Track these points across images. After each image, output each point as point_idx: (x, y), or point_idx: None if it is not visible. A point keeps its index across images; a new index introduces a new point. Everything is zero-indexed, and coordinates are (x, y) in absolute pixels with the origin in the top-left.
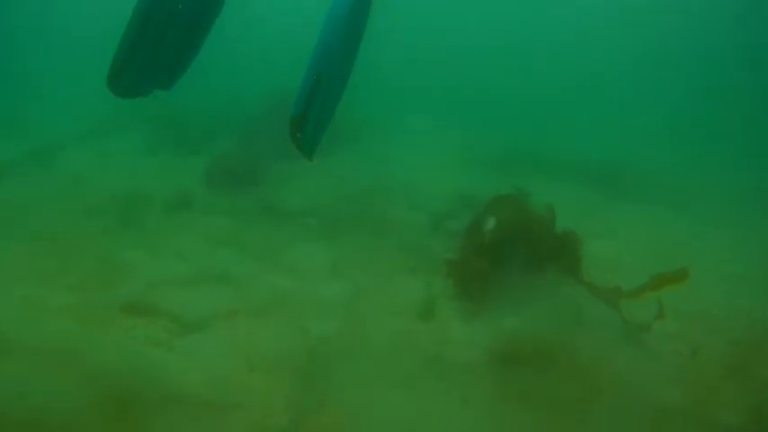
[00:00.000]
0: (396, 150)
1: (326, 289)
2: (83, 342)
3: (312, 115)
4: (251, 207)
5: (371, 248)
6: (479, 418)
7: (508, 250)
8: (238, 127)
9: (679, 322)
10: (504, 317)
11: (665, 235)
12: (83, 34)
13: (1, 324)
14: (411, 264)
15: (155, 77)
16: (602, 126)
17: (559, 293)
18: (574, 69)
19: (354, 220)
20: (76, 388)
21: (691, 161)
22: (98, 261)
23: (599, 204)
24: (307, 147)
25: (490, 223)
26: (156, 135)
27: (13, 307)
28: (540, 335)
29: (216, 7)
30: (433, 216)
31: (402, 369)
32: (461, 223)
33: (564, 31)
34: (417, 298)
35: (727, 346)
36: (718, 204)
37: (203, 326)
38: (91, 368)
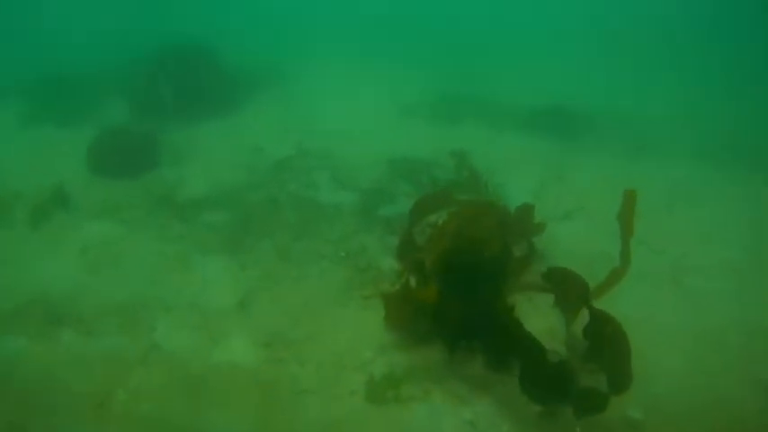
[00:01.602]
0: (318, 98)
1: (229, 352)
2: None
3: None
4: (143, 200)
5: (291, 260)
6: None
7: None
8: (131, 85)
9: None
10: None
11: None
12: None
13: None
14: (341, 285)
15: None
16: (545, 70)
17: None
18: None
19: (270, 211)
20: None
21: (644, 103)
22: None
23: (559, 161)
24: None
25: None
26: (35, 100)
27: None
28: None
29: None
30: (365, 195)
31: None
32: (398, 207)
33: None
34: (359, 361)
35: None
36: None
37: None
38: None
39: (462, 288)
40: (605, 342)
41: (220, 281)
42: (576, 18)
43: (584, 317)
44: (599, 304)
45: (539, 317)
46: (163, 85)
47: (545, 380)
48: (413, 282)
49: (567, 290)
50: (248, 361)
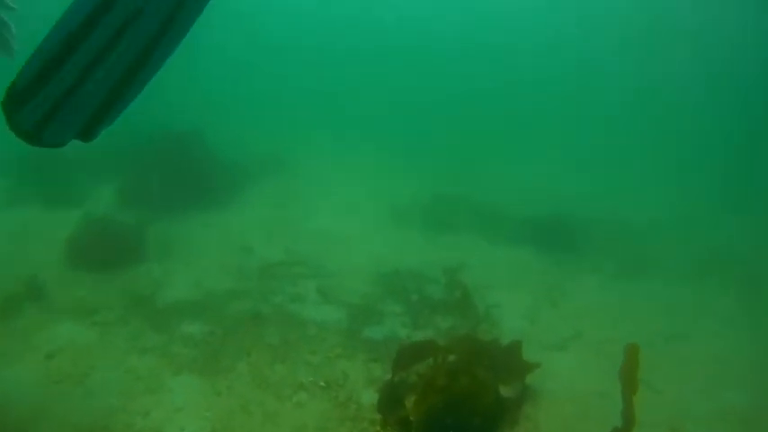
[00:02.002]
0: (312, 194)
1: None
2: None
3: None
4: (120, 301)
5: (269, 388)
6: None
7: None
8: (124, 170)
9: None
10: None
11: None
12: None
13: None
14: (318, 423)
15: (73, 117)
16: (545, 169)
17: None
18: (518, 110)
19: (252, 324)
20: None
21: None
22: None
23: (555, 280)
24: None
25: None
26: (23, 178)
27: None
28: None
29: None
30: (352, 312)
31: None
32: (384, 329)
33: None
34: None
35: None
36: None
37: None
38: None
39: None
40: None
41: (191, 409)
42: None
43: None
44: None
45: None
46: (151, 172)
47: None
48: None
49: None
50: None
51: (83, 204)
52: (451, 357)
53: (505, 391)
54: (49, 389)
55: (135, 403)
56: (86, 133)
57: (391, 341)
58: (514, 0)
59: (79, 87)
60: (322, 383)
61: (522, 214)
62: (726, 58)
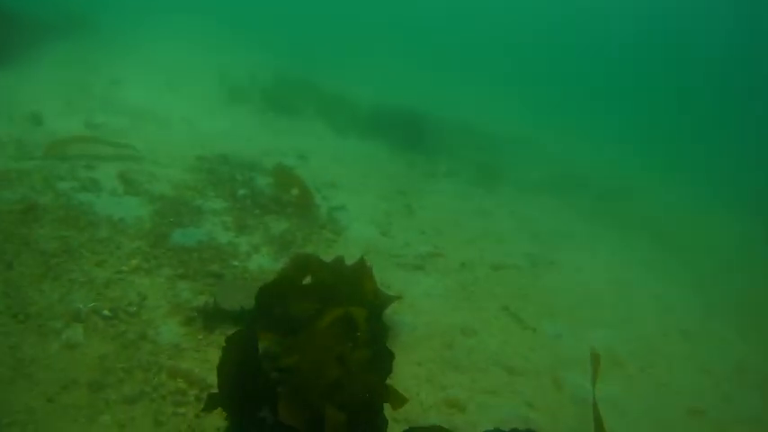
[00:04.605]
0: (132, 62)
1: None
2: None
3: None
4: None
5: (30, 319)
6: None
7: None
8: None
9: None
10: None
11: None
12: None
13: None
14: (95, 375)
15: None
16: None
17: None
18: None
19: (21, 220)
20: None
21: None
22: None
23: (410, 183)
24: None
25: None
26: None
27: None
28: None
29: None
30: (161, 207)
31: None
32: (200, 232)
33: None
34: None
35: None
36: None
37: None
38: None
39: None
40: None
41: None
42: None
43: None
44: None
45: None
46: None
47: None
48: None
49: None
50: None
51: None
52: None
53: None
54: None
55: None
56: None
57: (207, 249)
58: None
59: None
60: (106, 312)
61: (378, 108)
62: None
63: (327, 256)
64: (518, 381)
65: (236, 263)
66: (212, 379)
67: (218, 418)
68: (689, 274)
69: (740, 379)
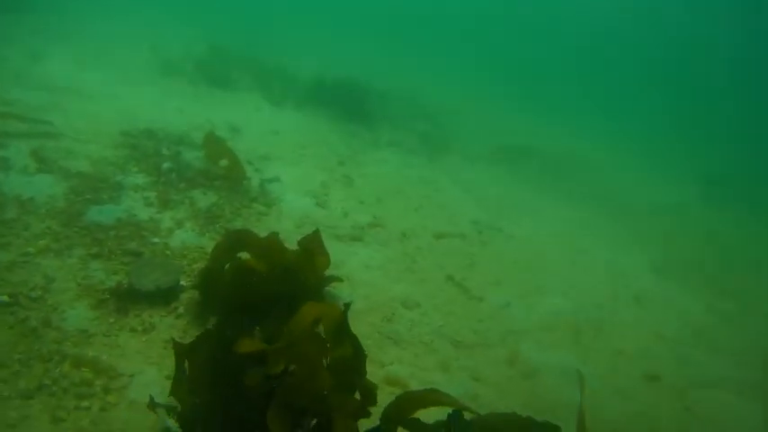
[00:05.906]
0: (56, 32)
1: None
2: None
3: None
4: None
5: None
6: None
7: None
8: None
9: None
10: None
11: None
12: None
13: None
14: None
15: None
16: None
17: None
18: None
19: None
20: None
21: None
22: None
23: (348, 151)
24: None
25: None
26: None
27: None
28: None
29: None
30: (77, 184)
31: None
32: (118, 210)
33: None
34: None
35: None
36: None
37: None
38: None
39: None
40: None
41: None
42: None
43: None
44: None
45: None
46: None
47: None
48: None
49: None
50: None
51: None
52: None
53: None
54: None
55: None
56: None
57: (126, 226)
58: None
59: None
60: (4, 297)
61: (320, 80)
62: None
63: (259, 230)
64: (464, 354)
65: (156, 239)
66: (123, 366)
67: (125, 411)
68: (635, 239)
69: (695, 341)
